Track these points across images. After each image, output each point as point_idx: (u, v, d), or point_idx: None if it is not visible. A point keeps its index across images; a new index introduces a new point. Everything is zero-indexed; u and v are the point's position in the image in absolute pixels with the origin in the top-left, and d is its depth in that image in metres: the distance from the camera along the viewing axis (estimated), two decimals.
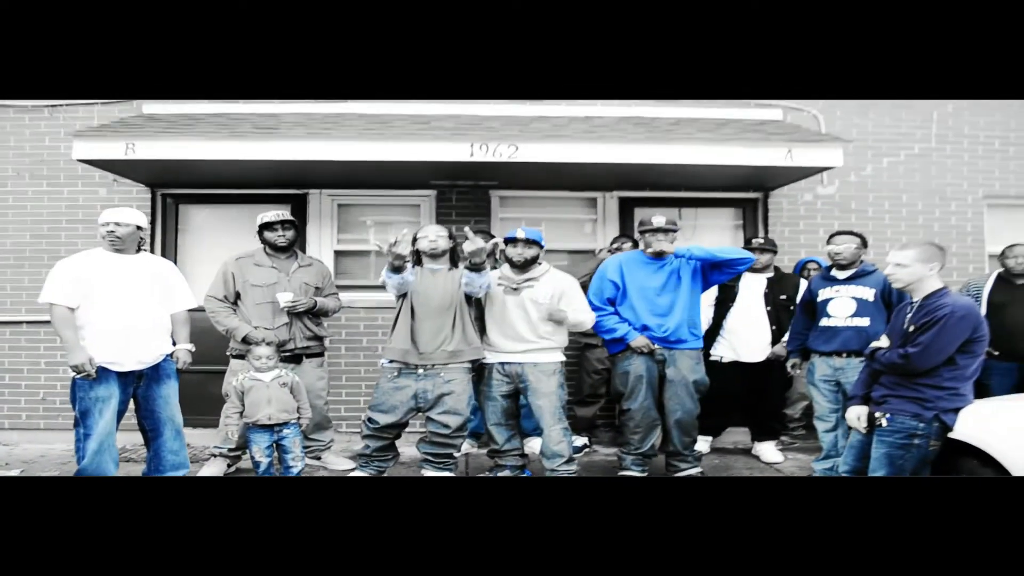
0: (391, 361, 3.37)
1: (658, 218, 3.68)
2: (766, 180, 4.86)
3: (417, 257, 3.47)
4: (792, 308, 4.14)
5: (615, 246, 4.46)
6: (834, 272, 3.86)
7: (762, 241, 4.34)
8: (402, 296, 3.38)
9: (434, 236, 3.43)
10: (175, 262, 4.45)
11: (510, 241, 3.56)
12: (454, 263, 3.48)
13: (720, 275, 3.76)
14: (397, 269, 3.23)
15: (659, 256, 3.68)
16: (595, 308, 3.68)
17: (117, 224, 3.16)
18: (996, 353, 4.18)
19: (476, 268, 3.24)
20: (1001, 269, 4.32)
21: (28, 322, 4.88)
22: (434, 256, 3.42)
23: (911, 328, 2.84)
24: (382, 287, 3.47)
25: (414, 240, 3.47)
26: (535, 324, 3.48)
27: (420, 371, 3.30)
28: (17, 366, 4.90)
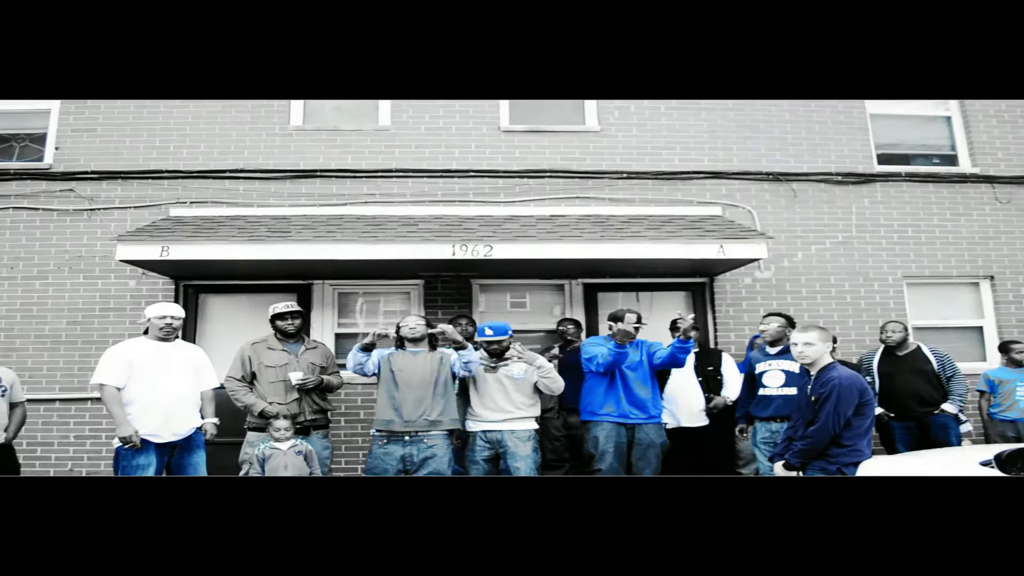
0: (379, 430, 3.99)
1: (630, 316, 4.30)
2: (709, 268, 5.64)
3: (400, 341, 4.14)
4: (719, 377, 4.78)
5: (561, 328, 5.09)
6: (767, 348, 4.57)
7: (690, 323, 4.87)
8: (377, 374, 4.04)
9: (414, 324, 4.13)
10: (195, 343, 5.11)
11: (482, 340, 4.21)
12: (432, 346, 4.15)
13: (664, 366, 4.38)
14: (368, 348, 3.96)
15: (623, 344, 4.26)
16: (588, 360, 4.26)
17: (174, 318, 3.88)
18: (891, 415, 4.89)
19: (458, 348, 3.95)
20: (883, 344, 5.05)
21: (61, 400, 5.47)
22: (414, 340, 4.09)
23: (813, 398, 3.53)
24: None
25: (398, 328, 4.17)
26: (511, 396, 4.12)
27: (406, 438, 3.91)
28: (48, 440, 5.45)
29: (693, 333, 4.58)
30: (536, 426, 4.21)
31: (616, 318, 4.14)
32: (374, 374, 4.07)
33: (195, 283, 5.73)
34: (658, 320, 5.35)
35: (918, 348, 5.01)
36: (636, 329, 4.19)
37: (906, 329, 5.12)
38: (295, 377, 4.28)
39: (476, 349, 4.36)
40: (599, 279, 5.85)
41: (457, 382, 4.18)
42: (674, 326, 4.94)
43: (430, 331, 4.12)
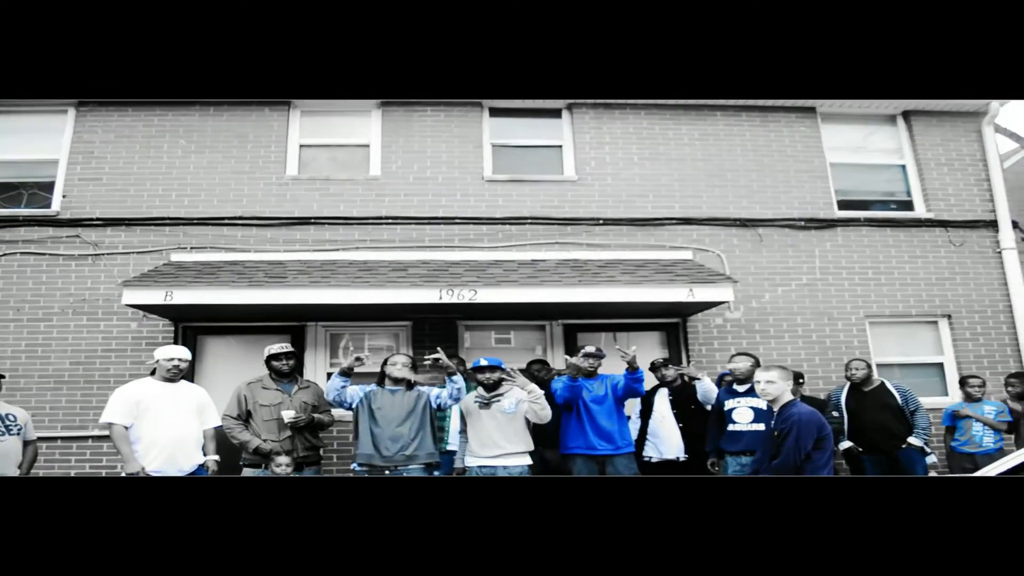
0: (360, 464, 4.23)
1: (589, 348, 4.71)
2: (682, 309, 5.99)
3: (381, 378, 4.39)
4: (693, 407, 5.06)
5: (534, 369, 5.35)
6: (735, 386, 4.88)
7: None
8: (355, 408, 4.28)
9: (400, 365, 4.37)
10: (193, 382, 5.37)
11: (477, 369, 4.49)
12: (409, 386, 4.38)
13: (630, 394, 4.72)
14: (346, 373, 4.21)
15: (575, 378, 4.61)
16: (553, 394, 4.64)
17: (181, 360, 4.17)
18: (860, 449, 5.17)
19: (450, 374, 4.26)
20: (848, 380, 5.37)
21: (63, 438, 5.69)
22: (395, 380, 4.34)
23: (776, 433, 3.84)
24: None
25: (384, 363, 4.40)
26: (505, 431, 4.35)
27: (386, 472, 4.16)
28: (51, 476, 5.65)
29: (669, 373, 4.89)
30: (530, 461, 4.37)
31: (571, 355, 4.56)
32: (350, 407, 4.30)
33: (195, 325, 6.01)
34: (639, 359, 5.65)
35: (882, 384, 5.27)
36: (593, 364, 4.59)
37: (869, 366, 5.40)
38: (287, 415, 4.53)
39: (470, 387, 4.64)
40: (578, 320, 6.19)
41: (460, 421, 4.46)
42: (654, 367, 5.22)
43: (431, 357, 4.36)
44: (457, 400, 4.38)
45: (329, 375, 5.95)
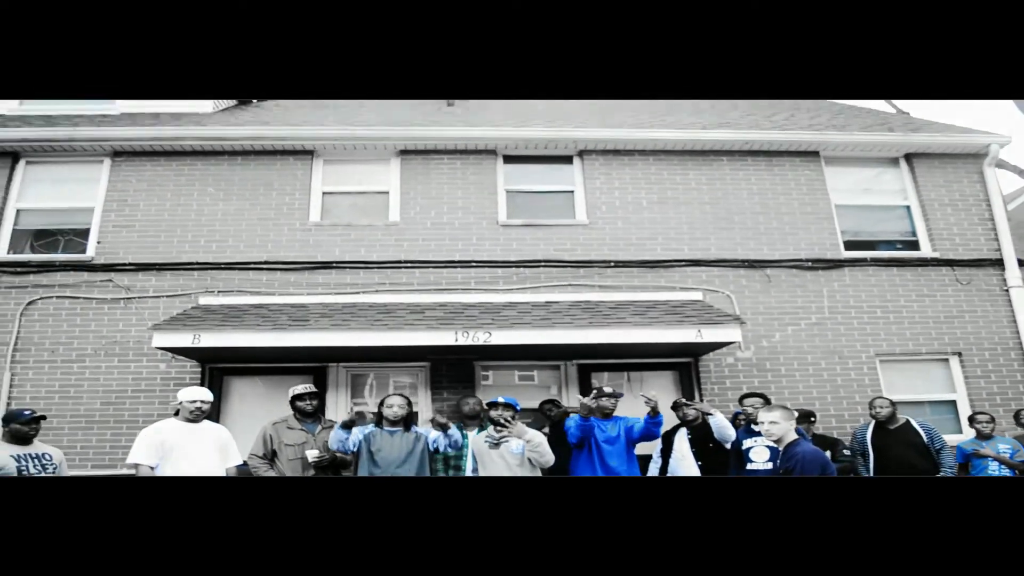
0: None
1: (606, 388, 4.85)
2: (693, 349, 6.12)
3: (380, 419, 4.50)
4: (711, 445, 5.11)
5: (545, 408, 5.50)
6: (753, 426, 4.97)
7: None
8: (356, 451, 4.38)
9: (397, 407, 4.49)
10: (218, 421, 5.56)
11: (492, 405, 4.62)
12: (407, 426, 4.51)
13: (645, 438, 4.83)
14: (348, 426, 4.34)
15: (587, 417, 4.75)
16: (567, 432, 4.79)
17: (203, 402, 4.37)
18: None
19: (445, 429, 4.40)
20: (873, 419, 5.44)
21: (94, 477, 5.87)
22: (393, 421, 4.46)
23: (781, 471, 3.94)
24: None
25: (381, 403, 4.53)
26: (513, 470, 4.47)
27: None
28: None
29: (690, 411, 5.01)
30: None
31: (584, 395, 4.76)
32: (353, 452, 4.41)
33: (220, 366, 6.23)
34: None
35: (908, 422, 5.30)
36: (609, 405, 4.72)
37: (893, 404, 5.40)
38: (311, 455, 4.69)
39: (483, 426, 4.77)
40: (592, 360, 6.33)
41: (473, 460, 4.59)
42: (675, 406, 5.29)
43: (435, 421, 4.51)
44: (453, 447, 4.51)
45: None
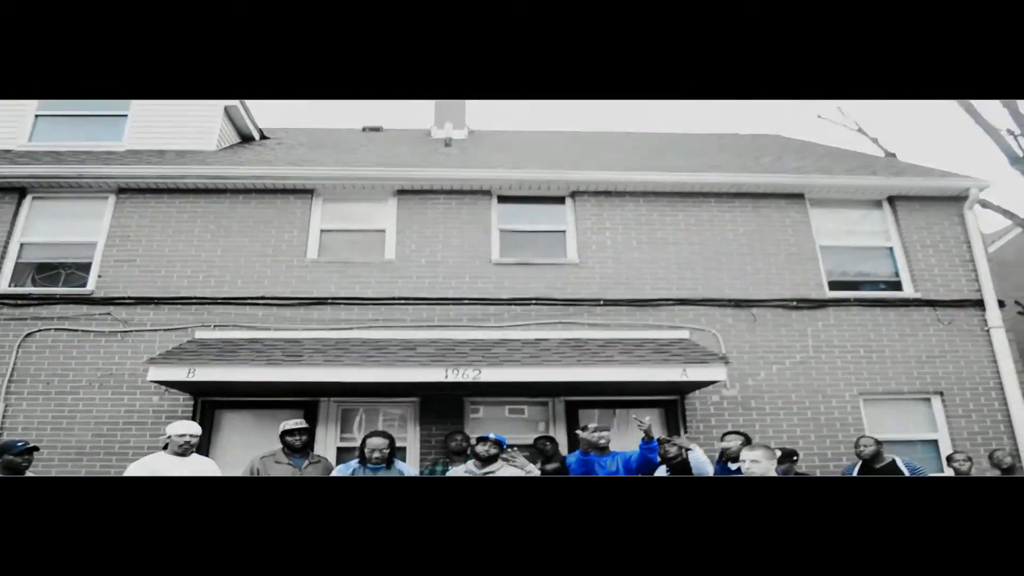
0: None
1: (593, 427, 4.93)
2: (679, 387, 6.23)
3: (362, 457, 4.58)
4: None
5: (539, 445, 5.57)
6: (729, 464, 5.06)
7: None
8: None
9: (378, 450, 4.54)
10: (207, 455, 5.62)
11: (481, 440, 4.66)
12: (388, 463, 4.58)
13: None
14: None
15: (587, 452, 4.84)
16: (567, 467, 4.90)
17: (192, 435, 4.46)
18: None
19: None
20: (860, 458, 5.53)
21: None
22: (375, 460, 4.53)
23: None
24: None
25: (363, 443, 4.59)
26: None
27: None
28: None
29: (672, 449, 5.13)
30: None
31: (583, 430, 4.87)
32: None
33: (212, 399, 6.31)
34: (636, 434, 5.85)
35: (893, 461, 5.37)
36: (603, 440, 4.82)
37: (878, 443, 5.50)
38: None
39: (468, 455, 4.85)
40: (580, 397, 6.43)
41: None
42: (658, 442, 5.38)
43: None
44: None
45: (339, 450, 6.19)
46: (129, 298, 6.61)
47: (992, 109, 12.13)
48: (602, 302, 6.74)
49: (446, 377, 5.35)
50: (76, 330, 6.51)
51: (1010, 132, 9.96)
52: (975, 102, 10.57)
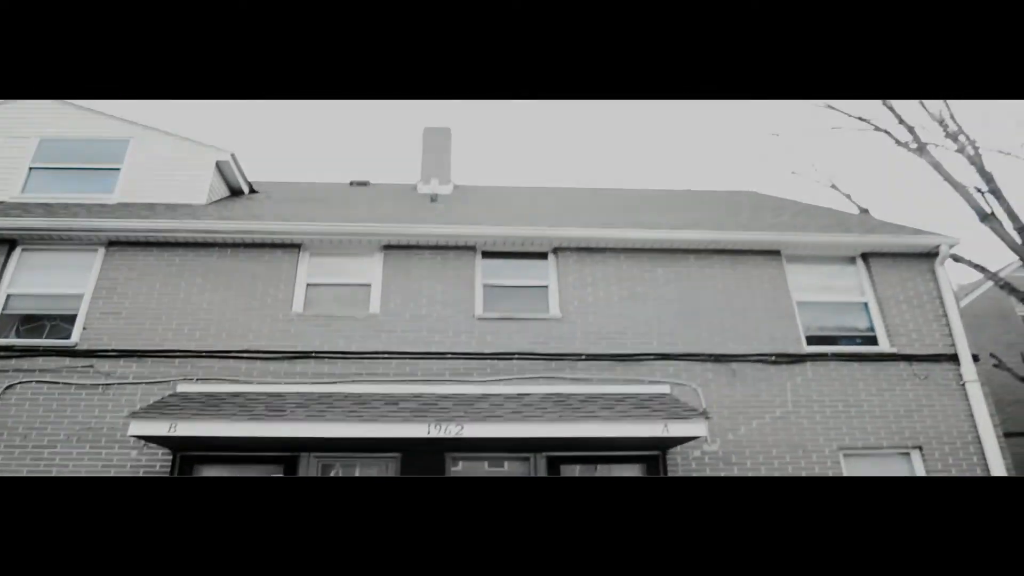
0: None
1: None
2: (660, 443, 6.26)
3: None
4: None
5: None
6: None
7: None
8: None
9: None
10: None
11: None
12: None
13: None
14: None
15: None
16: None
17: None
18: None
19: None
20: None
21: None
22: None
23: None
24: None
25: None
26: None
27: None
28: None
29: None
30: None
31: None
32: None
33: (192, 453, 6.26)
34: None
35: None
36: None
37: None
38: None
39: None
40: (562, 452, 6.44)
41: None
42: None
43: None
44: None
45: None
46: (112, 351, 6.62)
47: (960, 166, 12.59)
48: (584, 357, 6.83)
49: (428, 433, 5.37)
50: (57, 383, 6.49)
51: (978, 190, 10.33)
52: (943, 161, 11.01)
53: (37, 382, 6.49)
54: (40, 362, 6.56)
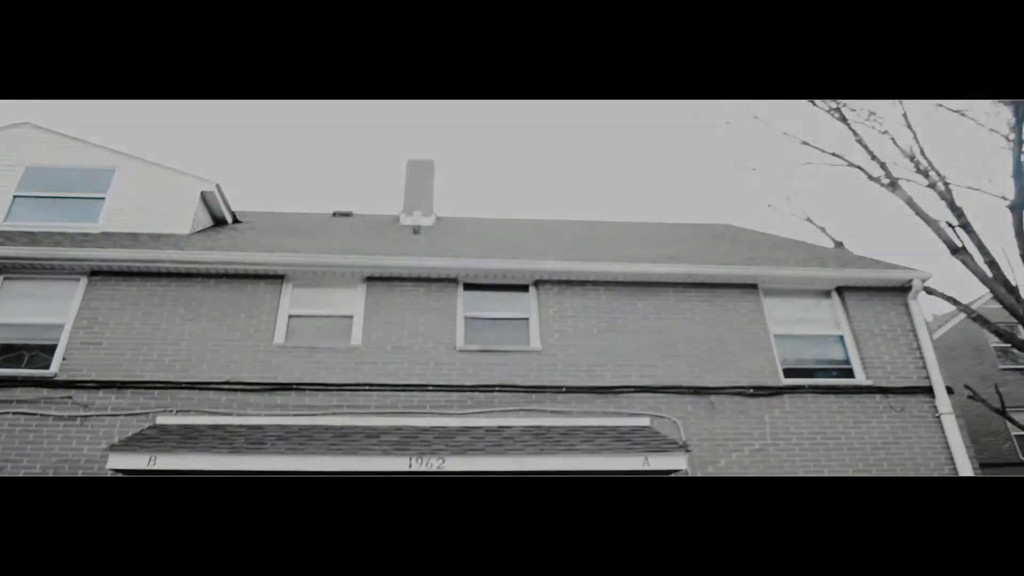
0: None
1: None
2: (641, 475, 6.30)
3: None
4: None
5: None
6: None
7: None
8: None
9: None
10: None
11: None
12: None
13: None
14: None
15: None
16: None
17: None
18: None
19: None
20: None
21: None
22: None
23: None
24: None
25: None
26: None
27: None
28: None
29: None
30: None
31: None
32: None
33: None
34: None
35: None
36: None
37: None
38: None
39: None
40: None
41: None
42: None
43: None
44: None
45: None
46: (91, 382, 6.58)
47: (931, 202, 12.95)
48: (564, 389, 6.89)
49: (410, 466, 5.38)
50: (35, 414, 6.42)
51: (949, 224, 10.62)
52: (914, 196, 11.33)
53: (15, 413, 6.42)
54: (18, 393, 6.50)
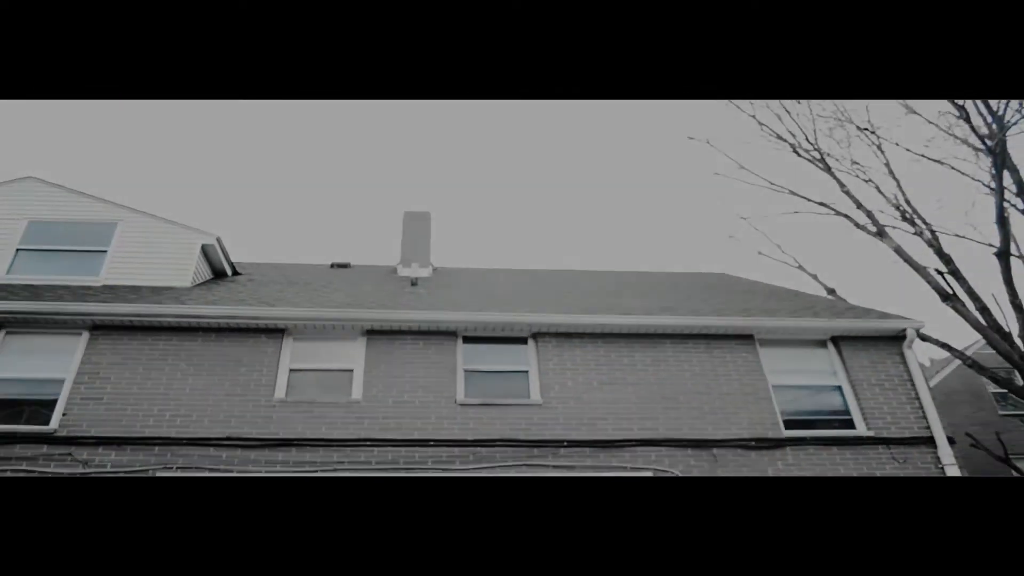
0: None
1: None
2: None
3: None
4: None
5: None
6: None
7: None
8: None
9: None
10: None
11: None
12: None
13: None
14: None
15: None
16: None
17: None
18: None
19: None
20: None
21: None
22: None
23: None
24: None
25: None
26: None
27: None
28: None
29: None
30: None
31: None
32: None
33: None
34: None
35: None
36: None
37: None
38: None
39: None
40: None
41: None
42: None
43: None
44: None
45: None
46: (91, 438, 6.55)
47: (920, 250, 13.16)
48: (565, 443, 6.87)
49: None
50: (33, 471, 6.37)
51: (938, 271, 10.78)
52: (903, 244, 11.54)
53: (13, 470, 6.36)
54: (17, 449, 6.45)
